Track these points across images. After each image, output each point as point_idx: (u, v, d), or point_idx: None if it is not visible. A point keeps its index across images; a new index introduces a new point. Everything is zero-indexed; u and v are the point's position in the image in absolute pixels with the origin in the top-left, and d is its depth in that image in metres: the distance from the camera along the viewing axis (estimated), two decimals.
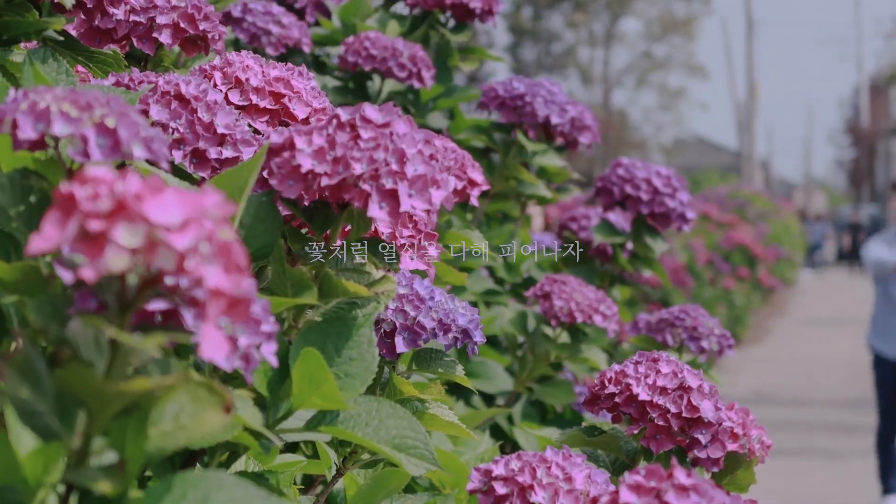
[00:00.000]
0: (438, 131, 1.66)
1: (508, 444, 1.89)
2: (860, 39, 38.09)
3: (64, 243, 0.56)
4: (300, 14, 2.01)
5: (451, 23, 2.01)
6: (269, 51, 1.81)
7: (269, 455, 1.02)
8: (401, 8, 2.07)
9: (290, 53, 1.84)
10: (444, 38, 2.00)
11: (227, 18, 1.83)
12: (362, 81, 1.93)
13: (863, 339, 6.49)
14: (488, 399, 1.97)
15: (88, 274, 0.55)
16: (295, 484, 1.16)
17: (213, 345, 0.57)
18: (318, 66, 2.06)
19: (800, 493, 6.15)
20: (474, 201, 1.43)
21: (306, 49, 1.86)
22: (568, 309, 1.78)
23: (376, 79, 1.93)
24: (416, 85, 1.84)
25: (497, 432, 1.93)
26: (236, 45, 1.84)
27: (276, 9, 1.84)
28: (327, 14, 2.04)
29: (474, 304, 1.99)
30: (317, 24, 2.03)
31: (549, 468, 0.99)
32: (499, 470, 1.00)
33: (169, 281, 0.57)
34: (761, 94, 29.12)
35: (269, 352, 0.68)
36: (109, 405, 0.60)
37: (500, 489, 0.99)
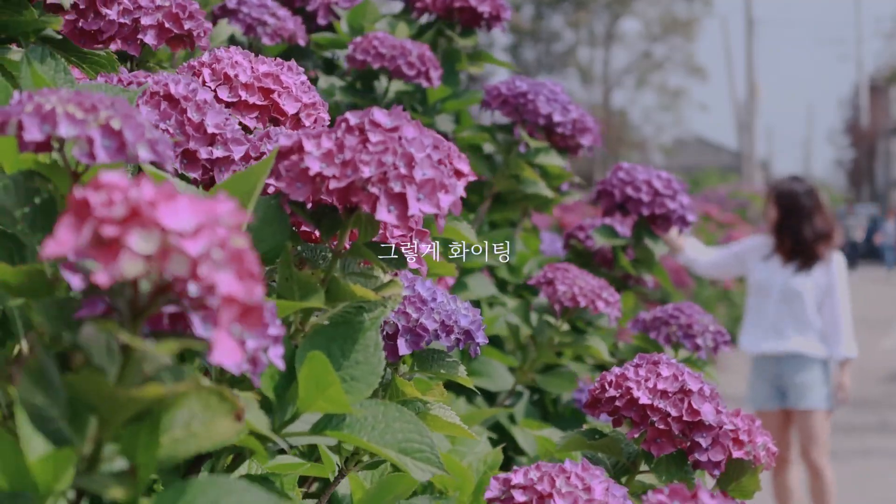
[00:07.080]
0: (445, 134, 1.66)
1: (510, 445, 1.89)
2: (860, 39, 38.09)
3: (78, 248, 0.56)
4: (312, 17, 2.02)
5: (459, 28, 2.02)
6: (266, 41, 1.81)
7: (270, 457, 1.02)
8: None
9: (295, 55, 1.85)
10: (451, 43, 2.01)
11: (223, 10, 1.83)
12: (370, 81, 1.93)
13: (865, 340, 6.47)
14: (490, 397, 1.98)
15: (103, 279, 0.55)
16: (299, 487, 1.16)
17: (225, 351, 0.57)
18: (329, 68, 2.07)
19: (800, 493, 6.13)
20: (461, 192, 1.42)
21: (302, 42, 1.86)
22: (571, 293, 1.78)
23: (383, 79, 1.93)
24: (424, 84, 1.84)
25: (499, 430, 1.93)
26: (233, 40, 1.84)
27: (271, 2, 1.85)
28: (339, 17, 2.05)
29: (476, 304, 1.98)
30: (329, 27, 2.04)
31: (568, 478, 0.99)
32: (518, 479, 1.00)
33: (181, 288, 0.57)
34: (761, 95, 29.05)
35: (276, 355, 0.68)
36: (121, 411, 0.59)
37: (520, 497, 0.99)
